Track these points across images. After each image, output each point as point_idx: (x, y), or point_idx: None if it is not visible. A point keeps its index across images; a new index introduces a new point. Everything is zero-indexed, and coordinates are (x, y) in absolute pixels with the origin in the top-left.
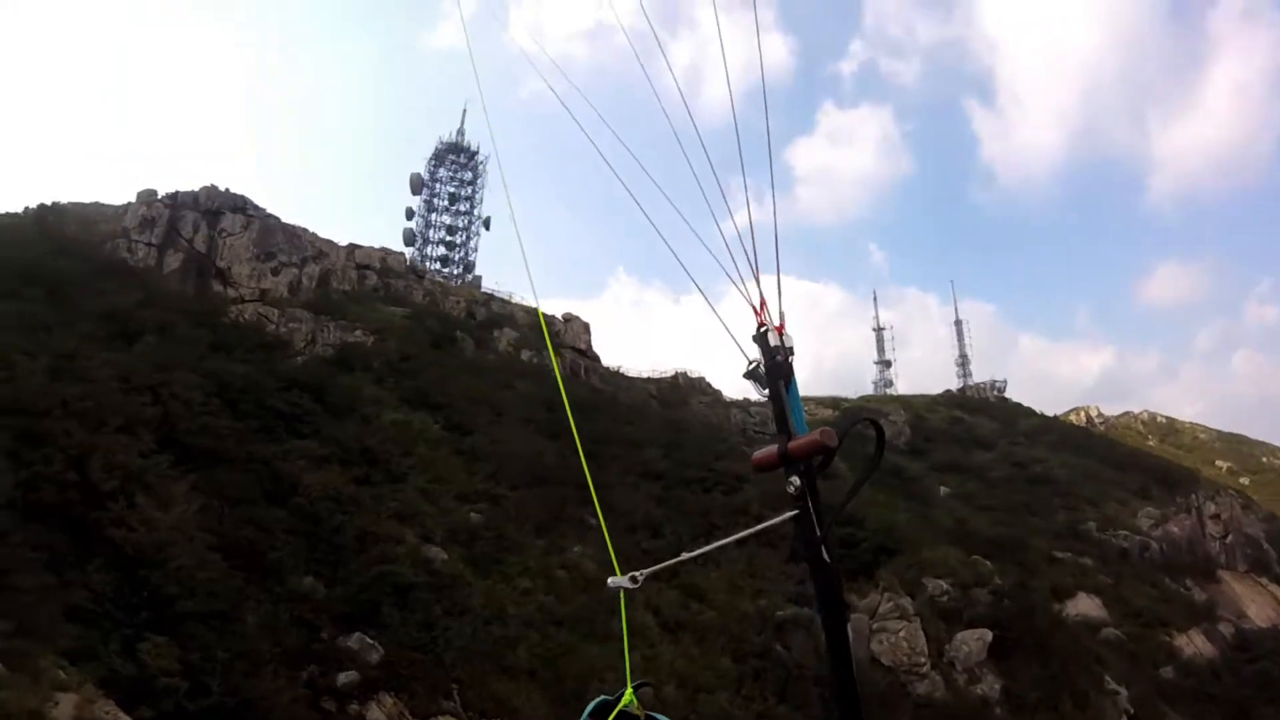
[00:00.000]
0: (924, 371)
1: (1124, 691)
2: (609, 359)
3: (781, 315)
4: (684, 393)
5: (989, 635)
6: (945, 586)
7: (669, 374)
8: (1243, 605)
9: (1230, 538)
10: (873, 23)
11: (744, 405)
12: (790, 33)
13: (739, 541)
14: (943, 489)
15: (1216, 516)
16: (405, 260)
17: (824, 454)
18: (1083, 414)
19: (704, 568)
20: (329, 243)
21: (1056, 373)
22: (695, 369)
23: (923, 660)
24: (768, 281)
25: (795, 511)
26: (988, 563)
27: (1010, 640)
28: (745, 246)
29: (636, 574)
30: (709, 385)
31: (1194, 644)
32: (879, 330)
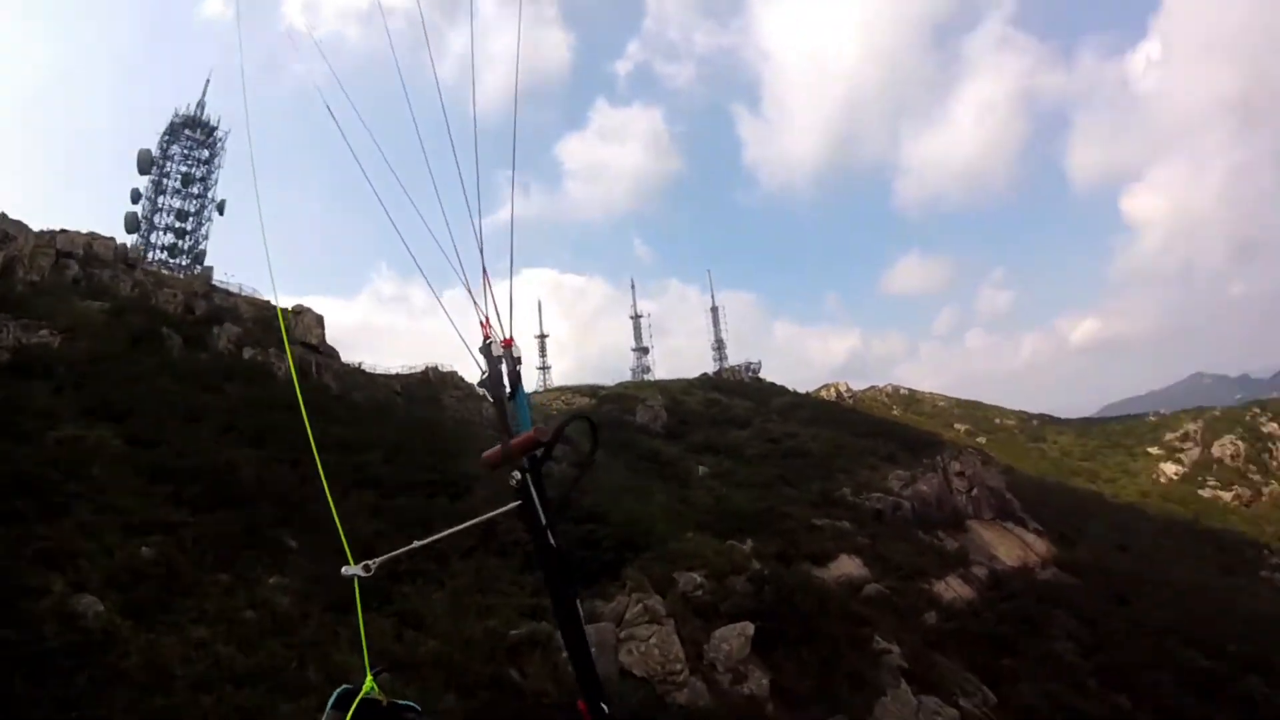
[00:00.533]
0: (685, 359)
1: (895, 649)
2: (360, 356)
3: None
4: (435, 388)
5: (750, 628)
6: (699, 579)
7: (419, 369)
8: (993, 549)
9: (975, 491)
10: (653, 26)
11: None
12: (571, 29)
13: (465, 554)
14: (701, 469)
15: (961, 473)
16: (117, 248)
17: (541, 448)
18: (833, 390)
19: (422, 589)
20: (19, 224)
21: (809, 355)
22: (448, 363)
23: (679, 666)
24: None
25: (519, 502)
26: (744, 546)
27: (774, 630)
28: (483, 258)
29: (370, 562)
30: (461, 379)
31: (952, 588)
32: (636, 318)
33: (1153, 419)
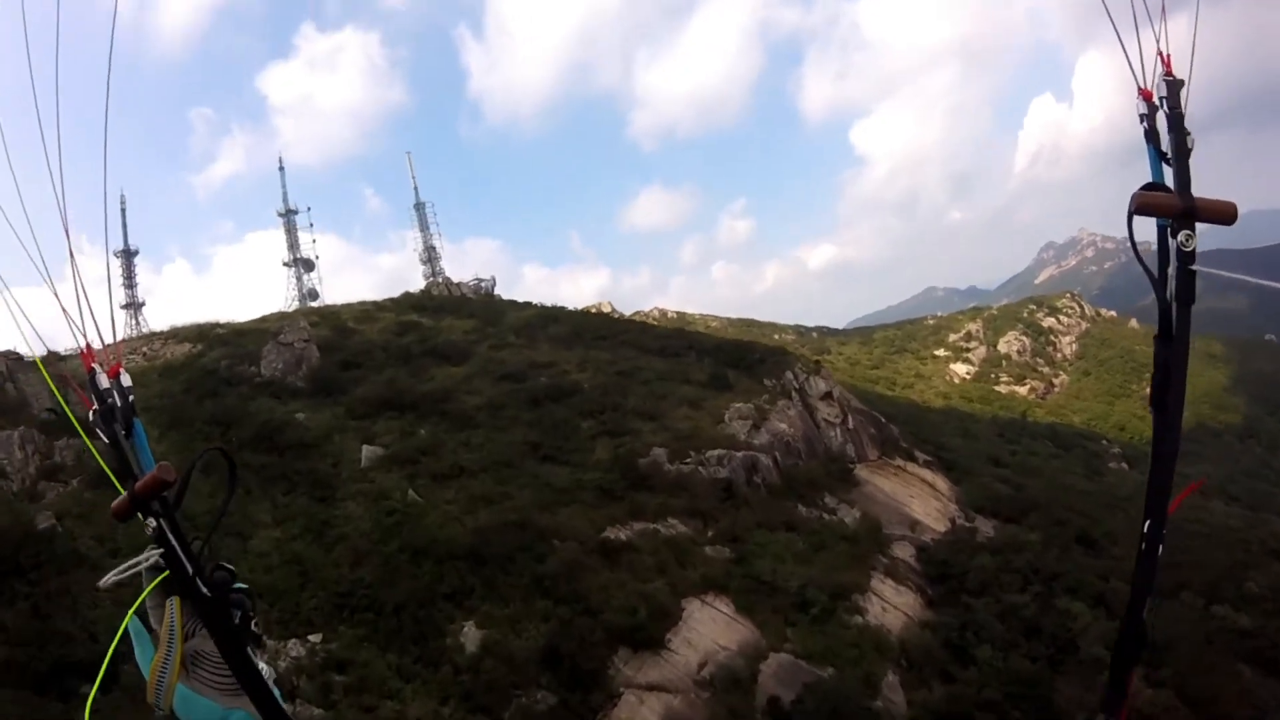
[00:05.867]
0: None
1: None
2: None
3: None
4: None
5: None
6: None
7: None
8: (902, 506)
9: (850, 421)
10: None
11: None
12: None
13: None
14: (365, 451)
15: (828, 395)
16: None
17: (168, 488)
18: (597, 310)
19: None
20: None
21: (562, 298)
22: None
23: None
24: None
25: (160, 550)
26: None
27: None
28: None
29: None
30: None
31: (891, 606)
32: (288, 213)
33: (931, 321)
